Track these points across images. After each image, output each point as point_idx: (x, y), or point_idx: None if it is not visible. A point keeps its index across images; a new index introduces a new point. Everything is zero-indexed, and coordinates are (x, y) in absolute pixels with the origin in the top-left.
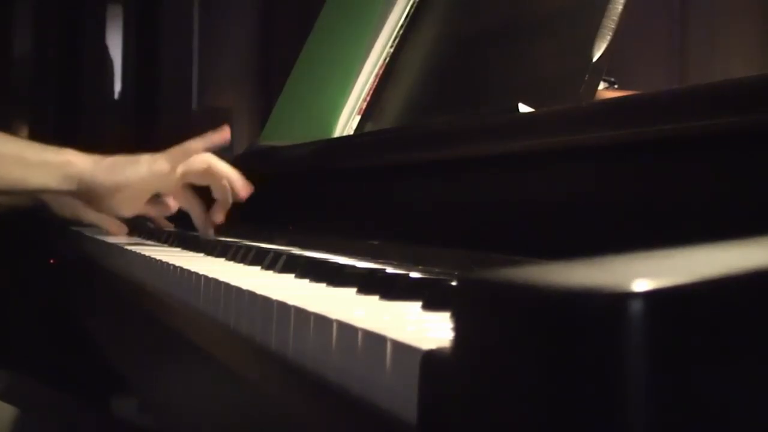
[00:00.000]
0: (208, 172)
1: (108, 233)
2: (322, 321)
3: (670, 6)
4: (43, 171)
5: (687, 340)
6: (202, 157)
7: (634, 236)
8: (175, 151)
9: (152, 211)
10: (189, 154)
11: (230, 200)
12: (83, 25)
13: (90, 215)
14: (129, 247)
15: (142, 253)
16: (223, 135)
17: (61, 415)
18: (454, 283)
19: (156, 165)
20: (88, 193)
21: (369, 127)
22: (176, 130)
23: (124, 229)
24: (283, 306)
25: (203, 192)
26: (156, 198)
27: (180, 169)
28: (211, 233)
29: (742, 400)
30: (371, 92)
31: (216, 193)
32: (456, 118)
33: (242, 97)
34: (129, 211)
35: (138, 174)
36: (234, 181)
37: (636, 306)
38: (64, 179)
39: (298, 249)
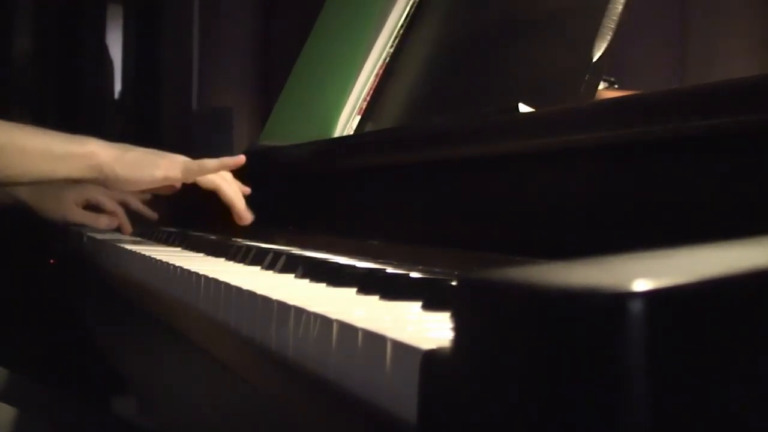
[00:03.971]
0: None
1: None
2: (322, 321)
3: (670, 6)
4: (68, 162)
5: (687, 339)
6: (213, 181)
7: (634, 236)
8: (192, 165)
9: (161, 191)
10: (204, 172)
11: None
12: (83, 25)
13: (78, 216)
14: (129, 247)
15: (142, 253)
16: (237, 160)
17: (61, 415)
18: (454, 283)
19: (171, 173)
20: (106, 182)
21: (369, 127)
22: (176, 130)
23: (115, 222)
24: (283, 306)
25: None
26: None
27: (190, 180)
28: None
29: (741, 400)
30: (371, 92)
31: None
32: (456, 118)
33: (242, 97)
34: (139, 192)
35: (153, 177)
36: (237, 210)
37: (636, 306)
38: (87, 169)
39: (298, 249)
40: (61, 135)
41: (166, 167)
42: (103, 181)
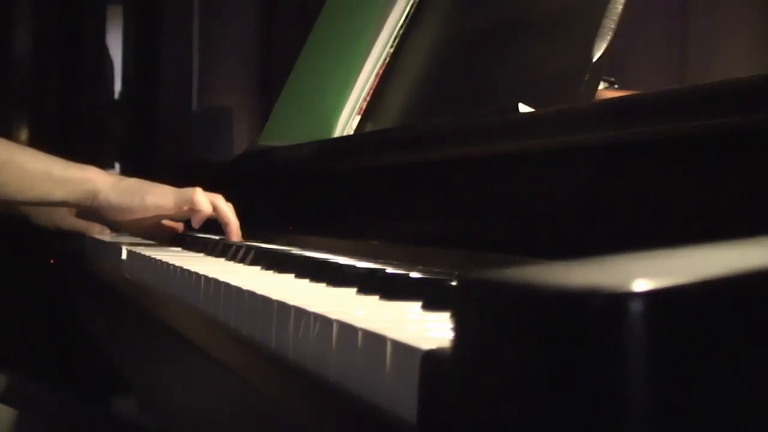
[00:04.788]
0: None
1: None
2: (322, 321)
3: (670, 6)
4: (66, 186)
5: (687, 339)
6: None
7: (634, 236)
8: (185, 192)
9: (155, 237)
10: (194, 201)
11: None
12: (83, 25)
13: (71, 224)
14: (129, 247)
15: (142, 253)
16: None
17: (61, 415)
18: (454, 283)
19: (162, 200)
20: (99, 210)
21: (369, 127)
22: (176, 130)
23: (106, 230)
24: (283, 306)
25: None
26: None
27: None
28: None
29: (741, 399)
30: (371, 92)
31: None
32: (456, 118)
33: (242, 97)
34: (133, 232)
35: (145, 203)
36: (232, 228)
37: (636, 306)
38: (83, 194)
39: (298, 249)
40: (61, 160)
41: (157, 194)
42: (96, 209)
